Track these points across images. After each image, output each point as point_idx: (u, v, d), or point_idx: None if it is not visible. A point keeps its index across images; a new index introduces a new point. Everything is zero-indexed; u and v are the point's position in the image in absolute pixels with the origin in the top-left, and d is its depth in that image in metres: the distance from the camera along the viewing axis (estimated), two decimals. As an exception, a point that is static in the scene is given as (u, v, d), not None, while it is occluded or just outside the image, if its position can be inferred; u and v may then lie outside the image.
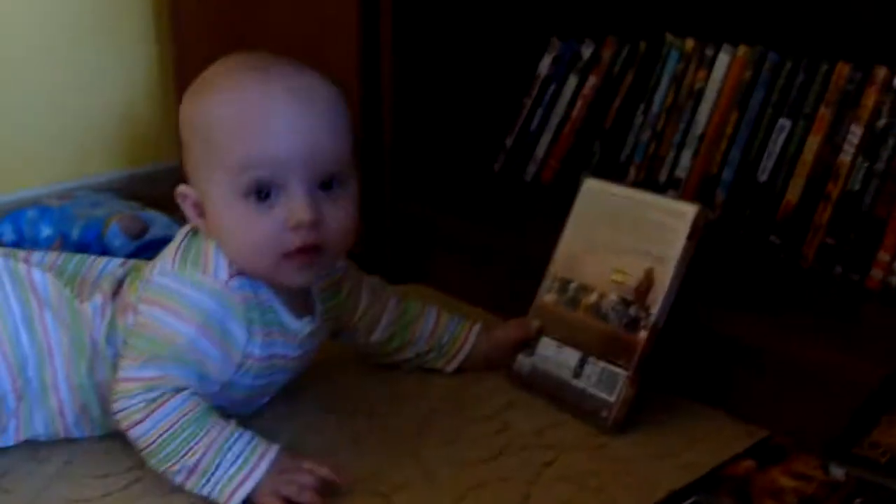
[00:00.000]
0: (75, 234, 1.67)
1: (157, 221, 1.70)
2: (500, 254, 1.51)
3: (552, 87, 1.65)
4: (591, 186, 1.36)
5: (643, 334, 1.25)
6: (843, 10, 1.46)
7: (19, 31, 1.82)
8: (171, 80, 1.93)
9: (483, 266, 1.56)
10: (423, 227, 1.63)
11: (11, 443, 1.19)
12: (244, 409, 1.24)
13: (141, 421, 1.09)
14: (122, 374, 1.12)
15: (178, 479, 1.10)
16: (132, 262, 1.27)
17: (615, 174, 1.55)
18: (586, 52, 1.62)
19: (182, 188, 1.15)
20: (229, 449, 1.09)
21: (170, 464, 1.09)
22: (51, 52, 1.86)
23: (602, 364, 1.27)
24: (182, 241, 1.18)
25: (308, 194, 1.10)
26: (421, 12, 1.54)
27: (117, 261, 1.27)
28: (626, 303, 1.27)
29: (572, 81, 1.63)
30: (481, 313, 1.49)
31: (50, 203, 1.77)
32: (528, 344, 1.34)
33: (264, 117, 1.09)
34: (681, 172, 1.48)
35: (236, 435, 1.10)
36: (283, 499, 1.08)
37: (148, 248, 1.60)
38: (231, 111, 1.10)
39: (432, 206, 1.60)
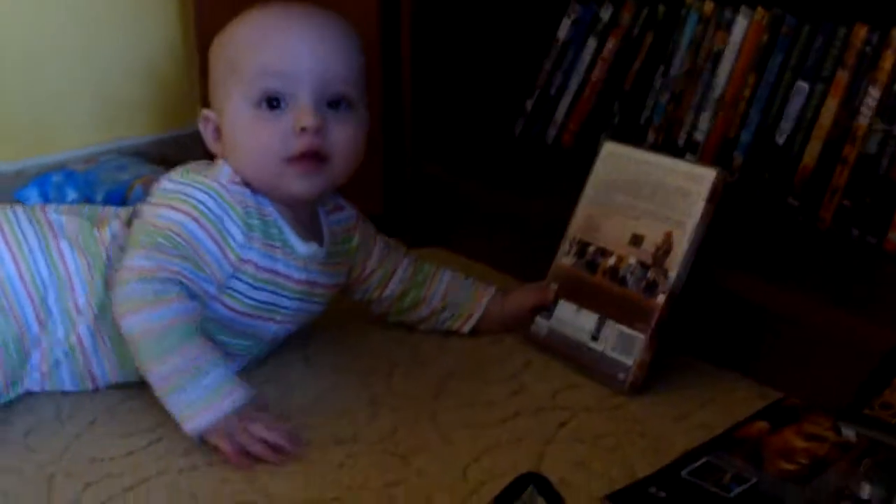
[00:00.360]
0: (100, 198, 1.69)
1: (181, 185, 1.72)
2: (521, 217, 1.52)
3: (572, 51, 1.65)
4: (611, 150, 1.37)
5: (661, 298, 1.26)
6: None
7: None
8: (195, 46, 1.94)
9: (503, 229, 1.57)
10: (443, 190, 1.64)
11: (37, 378, 1.23)
12: (250, 340, 1.27)
13: (136, 311, 1.13)
14: (119, 265, 1.17)
15: (151, 381, 1.13)
16: None
17: (634, 136, 1.56)
18: (605, 14, 1.61)
19: (205, 111, 1.25)
20: (206, 374, 1.12)
21: (149, 362, 1.13)
22: (76, 18, 1.87)
23: (620, 327, 1.28)
24: (188, 164, 1.25)
25: (315, 105, 1.18)
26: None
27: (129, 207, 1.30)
28: (644, 266, 1.28)
29: (591, 44, 1.63)
30: (501, 276, 1.51)
31: (76, 167, 1.80)
32: (545, 307, 1.35)
33: (281, 35, 1.20)
34: (699, 135, 1.48)
35: (216, 364, 1.13)
36: (235, 443, 1.11)
37: (171, 212, 1.62)
38: (251, 30, 1.21)
39: (453, 169, 1.61)
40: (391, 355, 1.34)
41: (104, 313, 1.20)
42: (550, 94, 1.67)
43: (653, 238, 1.29)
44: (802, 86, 1.38)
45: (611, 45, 1.60)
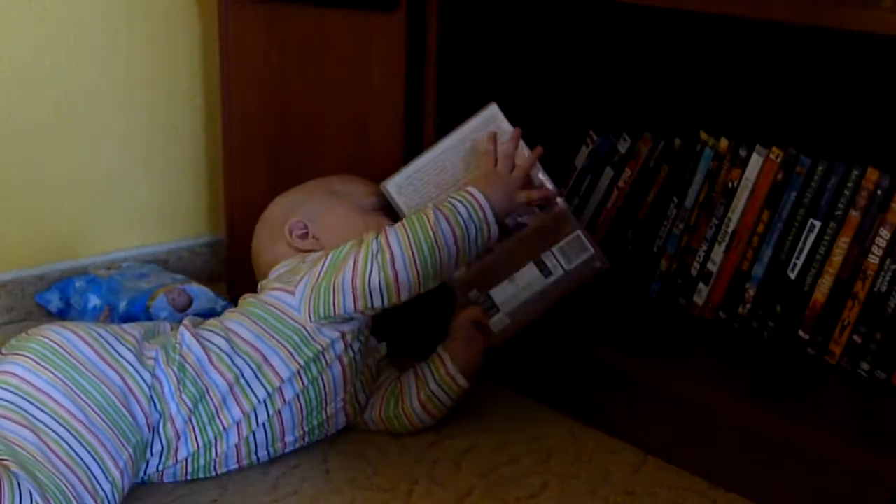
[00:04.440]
0: (122, 305, 1.72)
1: (201, 295, 1.75)
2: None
3: (588, 178, 1.70)
4: (398, 183, 1.49)
5: (561, 202, 1.45)
6: (873, 119, 1.52)
7: (75, 106, 1.88)
8: (217, 157, 1.98)
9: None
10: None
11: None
12: (318, 429, 1.39)
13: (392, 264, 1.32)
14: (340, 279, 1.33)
15: (452, 247, 1.34)
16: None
17: (647, 263, 1.61)
18: (623, 146, 1.67)
19: (293, 221, 1.47)
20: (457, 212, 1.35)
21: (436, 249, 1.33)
22: (102, 124, 1.92)
23: (556, 247, 1.41)
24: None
25: None
26: (465, 103, 1.60)
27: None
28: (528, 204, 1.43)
29: (608, 173, 1.68)
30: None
31: (98, 273, 1.83)
32: (486, 309, 1.44)
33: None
34: (712, 266, 1.53)
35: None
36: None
37: (192, 321, 1.65)
38: (342, 180, 1.54)
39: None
40: (409, 472, 1.37)
41: (197, 408, 1.29)
42: (566, 220, 1.71)
43: None
44: (815, 223, 1.43)
45: (627, 174, 1.66)
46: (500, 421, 1.50)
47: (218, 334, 1.32)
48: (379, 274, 1.31)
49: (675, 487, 1.33)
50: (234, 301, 1.73)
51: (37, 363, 1.21)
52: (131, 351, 1.27)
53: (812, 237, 1.43)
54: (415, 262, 1.32)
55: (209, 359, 1.30)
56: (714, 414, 1.34)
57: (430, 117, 1.57)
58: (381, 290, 1.32)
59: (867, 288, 1.38)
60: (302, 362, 1.33)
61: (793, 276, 1.45)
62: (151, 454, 1.27)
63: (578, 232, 1.41)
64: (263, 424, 1.32)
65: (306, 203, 1.50)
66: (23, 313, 1.85)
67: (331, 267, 1.34)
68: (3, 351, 1.25)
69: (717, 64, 1.71)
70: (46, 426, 1.16)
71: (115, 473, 1.18)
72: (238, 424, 1.31)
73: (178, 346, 1.30)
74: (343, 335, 1.36)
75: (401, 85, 1.58)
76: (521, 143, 1.47)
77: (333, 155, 1.67)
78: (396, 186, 1.49)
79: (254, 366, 1.31)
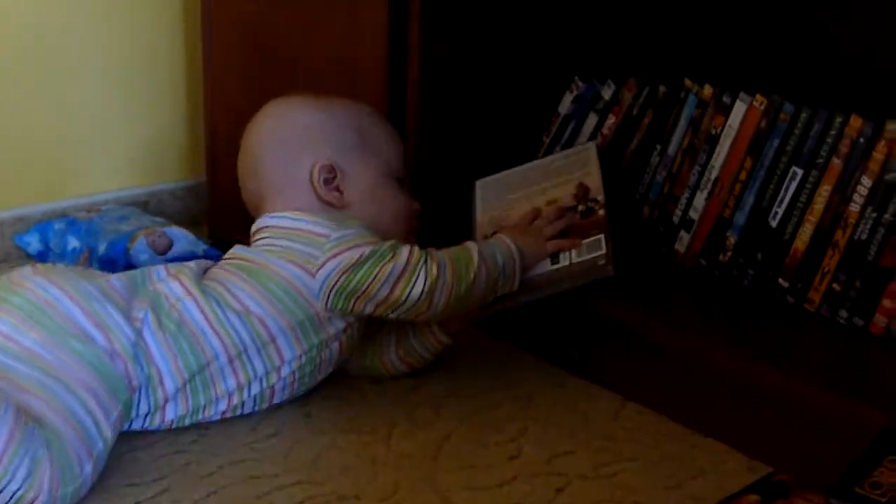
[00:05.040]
0: (102, 248, 1.71)
1: (182, 238, 1.74)
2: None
3: (572, 125, 1.69)
4: (486, 182, 1.58)
5: (601, 212, 1.43)
6: (857, 67, 1.52)
7: (54, 50, 1.86)
8: (199, 100, 1.97)
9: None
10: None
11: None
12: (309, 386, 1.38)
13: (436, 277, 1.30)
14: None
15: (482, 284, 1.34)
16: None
17: (629, 210, 1.61)
18: (607, 92, 1.66)
19: (324, 164, 1.38)
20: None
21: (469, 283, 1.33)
22: (82, 68, 1.90)
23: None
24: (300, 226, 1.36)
25: None
26: (450, 47, 1.60)
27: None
28: (571, 208, 1.46)
29: (592, 120, 1.67)
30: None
31: (78, 216, 1.82)
32: None
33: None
34: (694, 213, 1.53)
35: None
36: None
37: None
38: (374, 122, 1.45)
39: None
40: (390, 415, 1.37)
41: (193, 378, 1.27)
42: (549, 167, 1.71)
43: (567, 193, 1.48)
44: (797, 171, 1.43)
45: (611, 121, 1.65)
46: (481, 367, 1.50)
47: (227, 303, 1.28)
48: (419, 296, 1.29)
49: (654, 433, 1.34)
50: (216, 245, 1.73)
51: (22, 322, 1.19)
52: (118, 309, 1.24)
53: (794, 185, 1.43)
54: (450, 295, 1.31)
55: (213, 329, 1.27)
56: (693, 361, 1.35)
57: (414, 58, 1.56)
58: (410, 308, 1.31)
59: (847, 236, 1.38)
60: (307, 347, 1.32)
61: (774, 224, 1.45)
62: (137, 415, 1.26)
63: (601, 236, 1.39)
64: (255, 396, 1.32)
65: (339, 142, 1.40)
66: (2, 255, 1.85)
67: (363, 268, 1.29)
68: None
69: (702, 10, 1.70)
70: (39, 384, 1.14)
71: (108, 433, 1.17)
72: (230, 395, 1.30)
73: (171, 311, 1.26)
74: (350, 323, 1.36)
75: (384, 25, 1.57)
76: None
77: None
78: (482, 186, 1.58)
79: (259, 343, 1.29)
